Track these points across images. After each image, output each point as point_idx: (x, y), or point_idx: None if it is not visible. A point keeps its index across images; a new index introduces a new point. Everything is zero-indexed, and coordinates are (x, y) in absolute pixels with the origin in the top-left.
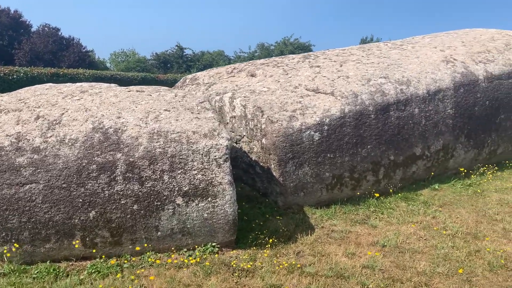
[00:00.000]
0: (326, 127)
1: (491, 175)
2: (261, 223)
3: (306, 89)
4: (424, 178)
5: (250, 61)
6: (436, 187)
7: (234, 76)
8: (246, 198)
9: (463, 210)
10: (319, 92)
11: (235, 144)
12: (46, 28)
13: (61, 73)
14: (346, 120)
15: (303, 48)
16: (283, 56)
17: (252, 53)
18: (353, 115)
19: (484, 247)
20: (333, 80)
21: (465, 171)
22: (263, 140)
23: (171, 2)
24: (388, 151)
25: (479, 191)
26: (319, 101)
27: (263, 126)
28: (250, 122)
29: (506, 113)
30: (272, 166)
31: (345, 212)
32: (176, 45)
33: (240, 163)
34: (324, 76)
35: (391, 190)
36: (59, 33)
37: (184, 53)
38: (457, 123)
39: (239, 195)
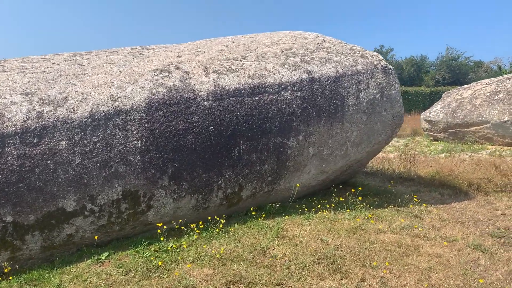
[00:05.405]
0: None
1: (196, 236)
2: None
3: None
4: (100, 242)
5: None
6: (103, 257)
7: None
8: None
9: None
10: None
11: None
12: None
13: None
14: None
15: None
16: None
17: None
18: None
19: None
20: None
21: (173, 226)
22: None
23: None
24: (1, 208)
25: (160, 263)
26: None
27: None
28: None
29: (250, 142)
30: None
31: None
32: None
33: None
34: None
35: (6, 270)
36: None
37: None
38: (153, 160)
39: None
